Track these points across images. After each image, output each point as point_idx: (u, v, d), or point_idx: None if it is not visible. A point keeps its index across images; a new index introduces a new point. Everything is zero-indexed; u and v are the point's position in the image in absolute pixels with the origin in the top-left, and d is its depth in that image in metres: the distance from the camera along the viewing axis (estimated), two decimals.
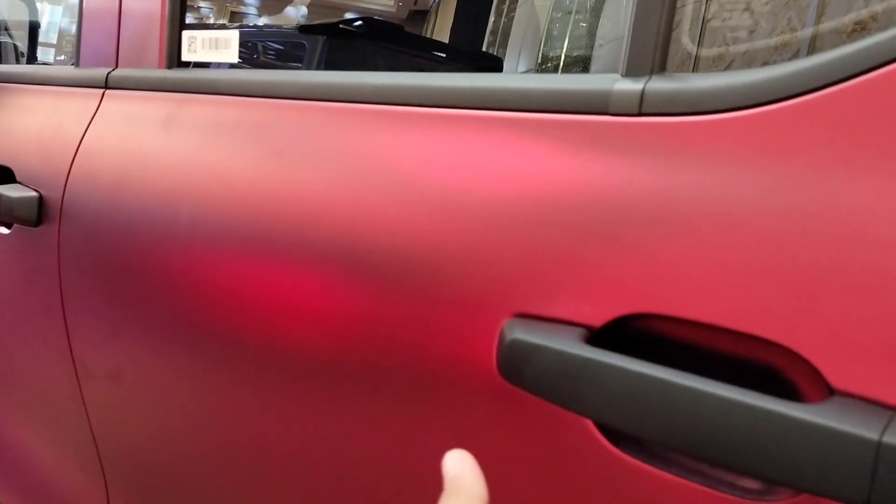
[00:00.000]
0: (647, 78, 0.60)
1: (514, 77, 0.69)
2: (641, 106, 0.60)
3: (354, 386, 0.72)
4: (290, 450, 0.80)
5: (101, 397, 1.04)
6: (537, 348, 0.58)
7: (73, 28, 1.15)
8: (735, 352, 0.53)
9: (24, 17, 2.11)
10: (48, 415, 1.17)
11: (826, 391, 0.49)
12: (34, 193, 1.07)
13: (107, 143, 1.01)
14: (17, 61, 2.10)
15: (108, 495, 1.09)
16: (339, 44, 3.51)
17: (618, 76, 0.62)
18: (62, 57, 2.78)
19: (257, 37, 4.00)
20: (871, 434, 0.44)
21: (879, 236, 0.47)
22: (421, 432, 0.69)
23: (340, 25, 3.57)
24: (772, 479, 0.48)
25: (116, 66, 1.09)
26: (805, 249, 0.50)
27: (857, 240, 0.48)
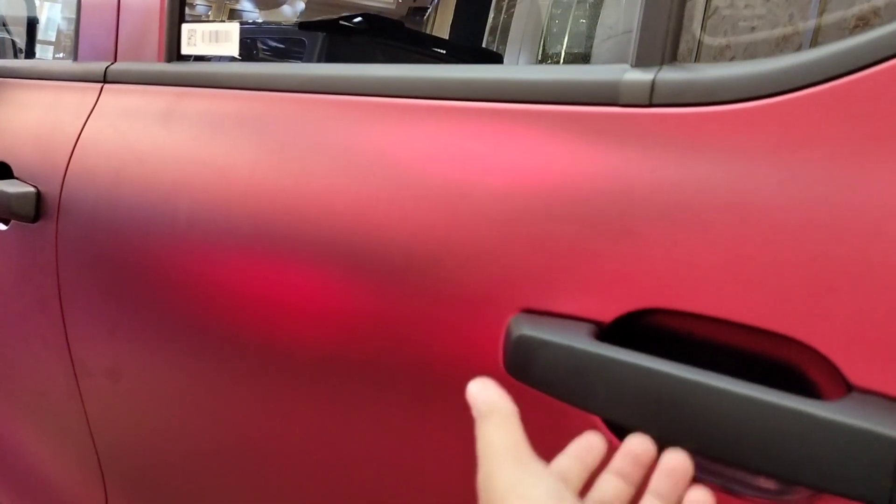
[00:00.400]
0: (657, 68, 0.59)
1: (522, 68, 0.67)
2: (652, 97, 0.58)
3: (357, 384, 0.71)
4: (290, 448, 0.79)
5: (100, 395, 1.03)
6: (545, 344, 0.56)
7: (72, 24, 1.14)
8: (749, 348, 0.52)
9: (23, 13, 2.10)
10: (45, 413, 1.16)
11: (844, 388, 0.47)
12: (32, 189, 1.06)
13: (105, 137, 1.00)
14: (15, 57, 2.09)
15: (106, 494, 1.08)
16: (339, 40, 3.50)
17: (627, 66, 0.61)
18: (61, 55, 2.78)
19: (257, 33, 4.00)
20: (892, 432, 0.43)
21: None
22: (425, 430, 0.67)
23: (340, 22, 3.57)
24: (789, 478, 0.47)
25: (115, 60, 1.08)
26: (822, 243, 0.48)
27: (876, 233, 0.47)
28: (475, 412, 0.48)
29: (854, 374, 0.46)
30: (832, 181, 0.49)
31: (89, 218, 0.98)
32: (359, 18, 3.62)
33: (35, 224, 1.06)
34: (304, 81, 0.82)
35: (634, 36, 0.61)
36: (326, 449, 0.75)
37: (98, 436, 1.05)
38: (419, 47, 3.75)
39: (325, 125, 0.78)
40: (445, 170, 0.67)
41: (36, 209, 1.05)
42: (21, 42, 2.07)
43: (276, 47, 3.93)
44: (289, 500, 0.81)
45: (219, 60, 1.01)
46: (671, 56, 0.60)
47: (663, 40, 0.60)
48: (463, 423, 0.64)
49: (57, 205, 1.02)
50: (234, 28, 0.91)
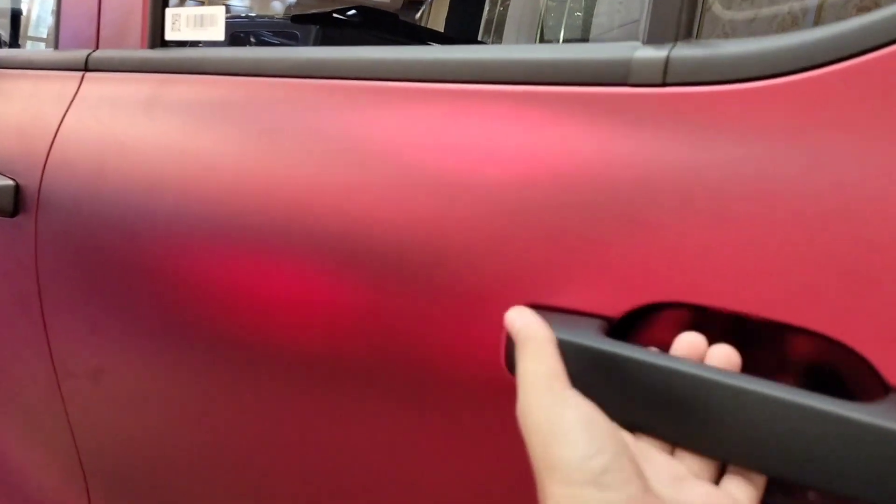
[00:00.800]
0: (671, 45, 0.56)
1: (525, 48, 0.64)
2: (665, 75, 0.55)
3: (350, 383, 0.68)
4: (278, 450, 0.76)
5: (82, 396, 1.00)
6: None
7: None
8: (775, 345, 0.49)
9: (6, 4, 2.06)
10: (26, 414, 1.13)
11: (882, 389, 0.43)
12: (10, 182, 1.03)
13: (86, 128, 0.97)
14: None
15: (88, 496, 1.05)
16: (332, 33, 3.47)
17: (638, 44, 0.58)
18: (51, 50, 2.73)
19: (248, 27, 3.96)
20: None
21: None
22: (423, 431, 0.64)
23: (333, 14, 3.54)
24: (818, 487, 0.43)
25: (97, 48, 1.04)
26: (854, 231, 0.45)
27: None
28: (514, 340, 0.48)
29: (893, 374, 0.43)
30: (862, 163, 0.45)
31: (70, 212, 0.95)
32: (352, 11, 3.59)
33: (14, 219, 1.02)
34: (292, 66, 0.79)
35: (646, 11, 0.58)
36: (317, 450, 0.72)
37: (80, 438, 1.03)
38: (414, 40, 3.72)
39: (315, 110, 0.74)
40: (445, 157, 0.64)
41: (14, 203, 1.01)
42: (5, 34, 2.04)
43: (269, 41, 3.90)
44: (276, 501, 0.78)
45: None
46: (686, 32, 0.56)
47: (677, 15, 0.56)
48: (462, 421, 0.61)
49: (36, 198, 0.99)
50: (219, 11, 0.87)
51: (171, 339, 0.84)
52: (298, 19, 3.71)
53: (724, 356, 0.47)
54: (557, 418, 0.43)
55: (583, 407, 0.43)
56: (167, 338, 0.84)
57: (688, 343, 0.48)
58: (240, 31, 3.91)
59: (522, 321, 0.48)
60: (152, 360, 0.87)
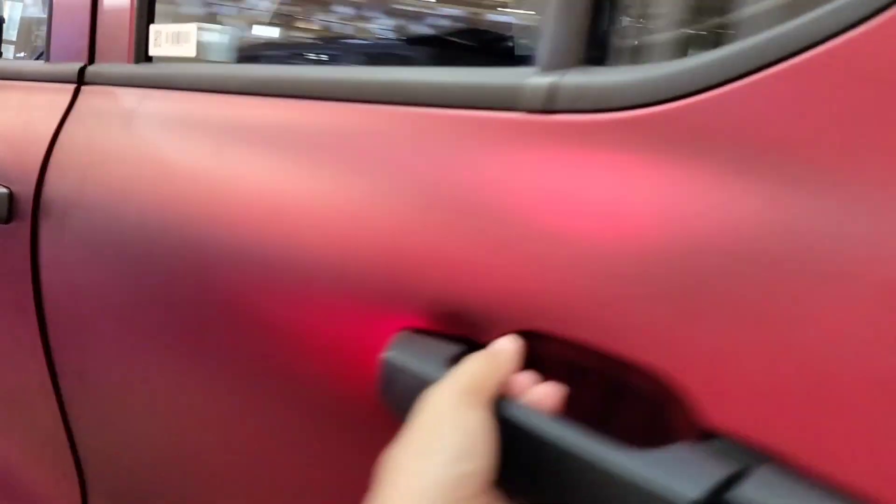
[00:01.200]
0: (562, 72, 0.54)
1: (426, 70, 0.65)
2: (550, 102, 0.53)
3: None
4: (274, 450, 0.75)
5: (78, 399, 1.01)
6: (399, 369, 0.54)
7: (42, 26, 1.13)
8: (615, 376, 0.47)
9: None
10: (23, 419, 1.16)
11: (697, 428, 0.41)
12: (4, 190, 1.05)
13: (82, 139, 0.99)
14: None
15: (87, 498, 1.07)
16: (446, 55, 3.47)
17: (536, 70, 0.56)
18: (22, 55, 2.76)
19: (355, 47, 4.02)
20: (689, 492, 0.37)
21: (770, 251, 0.40)
22: (325, 447, 0.67)
23: (449, 38, 3.53)
24: None
25: (92, 61, 1.07)
26: (688, 260, 0.43)
27: (753, 252, 0.41)
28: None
29: (709, 412, 0.41)
30: (716, 192, 0.43)
31: (66, 219, 0.96)
32: (466, 34, 3.58)
33: (7, 225, 1.05)
34: (281, 85, 0.78)
35: (542, 35, 0.56)
36: (306, 453, 0.72)
37: (79, 441, 1.04)
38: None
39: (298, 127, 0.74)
40: (333, 176, 0.65)
41: (9, 210, 1.04)
42: None
43: (377, 60, 3.93)
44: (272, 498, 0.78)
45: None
46: (585, 57, 0.54)
47: (574, 39, 0.54)
48: (356, 439, 0.62)
49: (31, 206, 1.01)
50: (192, 29, 0.88)
51: (166, 342, 0.84)
52: (413, 41, 3.72)
53: (542, 393, 0.47)
54: (450, 417, 0.43)
55: (479, 421, 0.43)
56: (162, 340, 0.85)
57: (517, 382, 0.48)
58: (363, 52, 3.95)
59: (502, 345, 0.49)
60: (148, 363, 0.87)
